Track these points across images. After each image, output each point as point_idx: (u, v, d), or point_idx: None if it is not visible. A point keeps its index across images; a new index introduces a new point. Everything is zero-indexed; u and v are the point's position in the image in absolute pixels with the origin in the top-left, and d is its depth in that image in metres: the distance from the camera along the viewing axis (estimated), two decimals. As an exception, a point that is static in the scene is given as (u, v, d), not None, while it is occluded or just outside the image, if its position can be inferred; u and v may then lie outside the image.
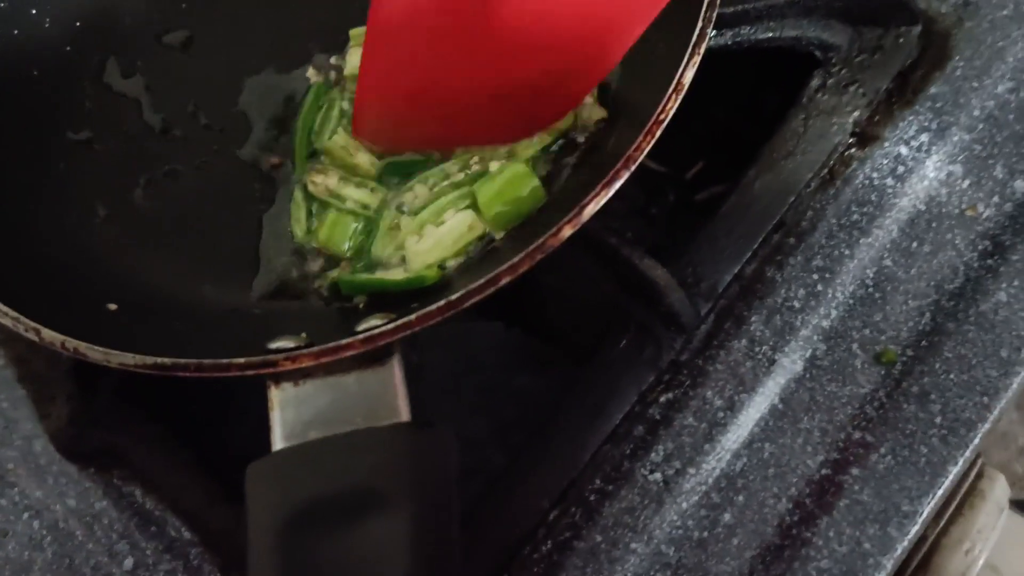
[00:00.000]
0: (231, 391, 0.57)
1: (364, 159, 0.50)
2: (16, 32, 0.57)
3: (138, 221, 0.53)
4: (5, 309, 0.42)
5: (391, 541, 0.34)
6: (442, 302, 0.39)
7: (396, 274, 0.47)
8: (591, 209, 0.40)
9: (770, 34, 0.56)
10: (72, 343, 0.41)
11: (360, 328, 0.41)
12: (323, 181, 0.51)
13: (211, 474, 0.53)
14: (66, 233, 0.51)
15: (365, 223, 0.50)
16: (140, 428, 0.54)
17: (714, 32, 0.56)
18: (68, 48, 0.58)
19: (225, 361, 0.40)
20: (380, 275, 0.48)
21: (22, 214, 0.50)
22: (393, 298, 0.46)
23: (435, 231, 0.48)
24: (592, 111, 0.50)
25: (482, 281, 0.39)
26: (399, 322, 0.39)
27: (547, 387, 0.58)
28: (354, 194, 0.51)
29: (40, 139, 0.54)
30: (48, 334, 0.42)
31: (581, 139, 0.50)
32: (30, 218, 0.50)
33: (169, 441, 0.54)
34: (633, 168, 0.40)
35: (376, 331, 0.39)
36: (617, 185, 0.40)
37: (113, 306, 0.47)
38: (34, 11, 0.58)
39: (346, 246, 0.50)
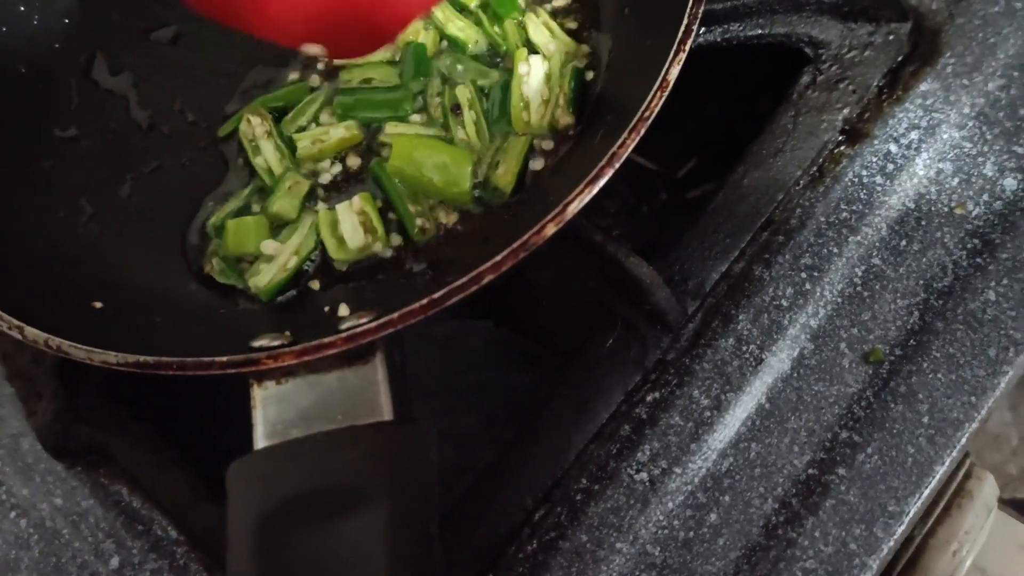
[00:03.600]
0: (218, 388, 0.56)
1: (342, 132, 0.51)
2: (4, 28, 0.56)
3: (124, 218, 0.53)
4: (-12, 308, 0.42)
5: (370, 537, 0.34)
6: (425, 300, 0.39)
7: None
8: (574, 207, 0.40)
9: (760, 31, 0.55)
10: (56, 341, 0.41)
11: (343, 327, 0.41)
12: (253, 128, 0.52)
13: (197, 472, 0.53)
14: (51, 230, 0.51)
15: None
16: (126, 426, 0.54)
17: (703, 29, 0.56)
18: (56, 45, 0.58)
19: (207, 360, 0.39)
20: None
21: (6, 212, 0.50)
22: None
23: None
24: (562, 116, 0.50)
25: (465, 279, 0.39)
26: (382, 320, 0.39)
27: (535, 385, 0.58)
28: (268, 153, 0.52)
29: (26, 136, 0.54)
30: (31, 332, 0.41)
31: (550, 145, 0.50)
32: (14, 215, 0.50)
33: (155, 439, 0.54)
34: (617, 166, 0.40)
35: (359, 329, 0.39)
36: (601, 182, 0.40)
37: (99, 304, 0.47)
38: (22, 7, 0.57)
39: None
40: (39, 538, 0.52)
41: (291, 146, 0.52)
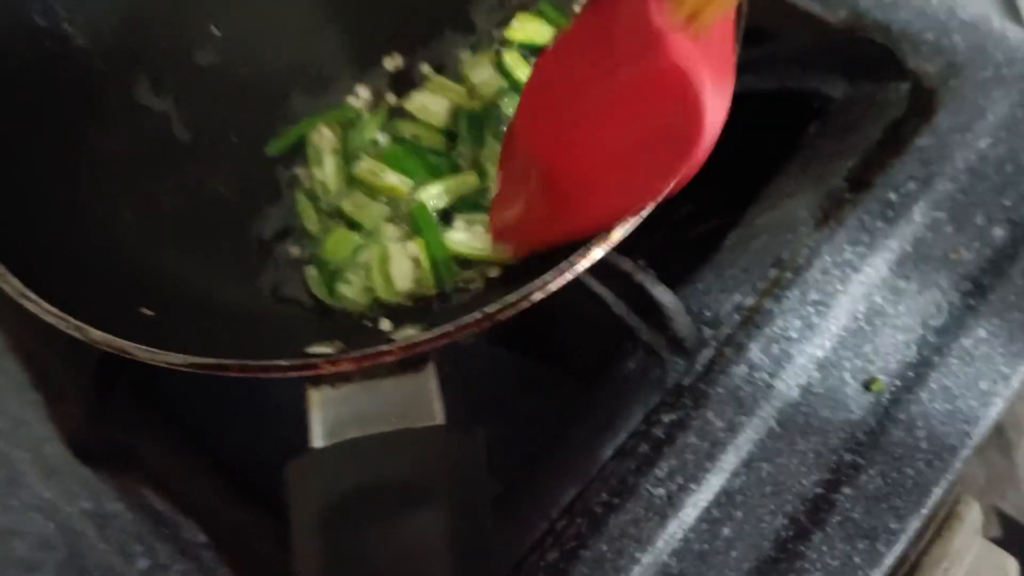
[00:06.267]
0: (246, 394, 0.59)
1: (395, 179, 0.53)
2: (49, 46, 0.58)
3: (166, 229, 0.54)
4: (51, 309, 0.43)
5: (433, 534, 0.36)
6: (479, 314, 0.42)
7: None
8: (619, 234, 0.43)
9: (773, 84, 0.60)
10: (118, 342, 0.43)
11: (396, 336, 0.43)
12: (322, 138, 0.55)
13: (226, 476, 0.54)
14: (98, 240, 0.53)
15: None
16: (154, 430, 0.56)
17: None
18: (100, 64, 0.59)
19: (268, 363, 0.41)
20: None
21: (58, 222, 0.51)
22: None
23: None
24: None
25: (516, 296, 0.42)
26: (438, 331, 0.41)
27: (555, 408, 0.61)
28: (328, 167, 0.54)
29: (72, 150, 0.56)
30: (94, 333, 0.43)
31: None
32: (65, 226, 0.52)
33: (183, 443, 0.55)
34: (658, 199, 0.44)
35: (416, 339, 0.41)
36: (643, 214, 0.43)
37: (148, 311, 0.49)
38: (68, 27, 0.59)
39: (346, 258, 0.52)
40: (64, 540, 0.53)
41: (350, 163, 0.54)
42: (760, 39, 0.58)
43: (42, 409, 0.56)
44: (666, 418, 0.53)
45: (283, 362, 0.41)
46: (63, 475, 0.54)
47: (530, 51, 0.57)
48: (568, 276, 0.43)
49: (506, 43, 0.58)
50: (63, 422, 0.55)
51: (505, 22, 0.58)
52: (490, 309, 0.42)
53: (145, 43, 0.60)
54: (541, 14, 0.58)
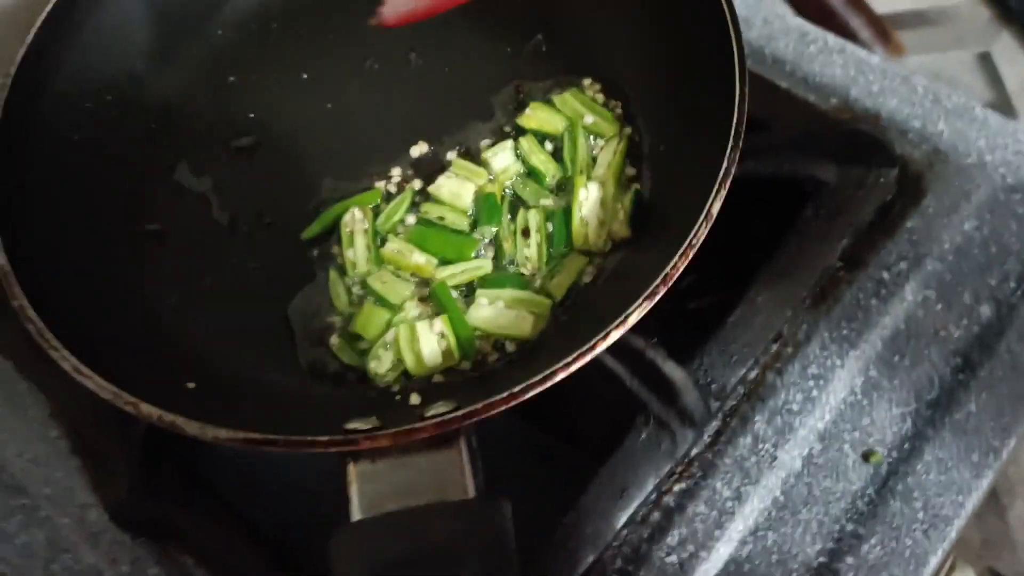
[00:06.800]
0: (283, 469, 0.61)
1: (421, 259, 0.57)
2: (96, 130, 0.62)
3: (208, 309, 0.58)
4: (107, 386, 0.47)
5: (468, 601, 0.39)
6: (505, 393, 0.45)
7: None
8: (634, 317, 0.47)
9: (770, 169, 0.64)
10: (169, 417, 0.46)
11: (429, 414, 0.46)
12: (355, 221, 0.58)
13: (263, 547, 0.57)
14: (145, 319, 0.56)
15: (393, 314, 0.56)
16: (195, 501, 0.58)
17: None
18: (142, 148, 0.64)
19: (310, 438, 0.45)
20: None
21: (110, 301, 0.55)
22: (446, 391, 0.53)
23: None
24: (620, 229, 0.58)
25: (540, 376, 0.45)
26: (467, 409, 0.45)
27: (569, 477, 0.63)
28: (359, 247, 0.58)
29: (115, 228, 0.60)
30: (147, 408, 0.46)
31: (598, 261, 0.58)
32: (114, 305, 0.55)
33: (223, 514, 0.57)
34: (671, 284, 0.47)
35: (447, 416, 0.45)
36: (657, 298, 0.47)
37: (191, 384, 0.52)
38: (113, 112, 0.63)
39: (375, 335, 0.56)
40: (104, 605, 0.56)
41: (379, 243, 0.58)
42: (758, 127, 0.63)
43: (87, 476, 0.59)
44: (675, 487, 0.56)
45: (324, 438, 0.45)
46: (104, 541, 0.57)
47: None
48: (588, 357, 0.46)
49: (520, 130, 0.62)
50: (107, 491, 0.58)
51: (520, 110, 0.63)
52: (516, 389, 0.45)
53: (185, 128, 0.65)
54: (551, 103, 0.63)
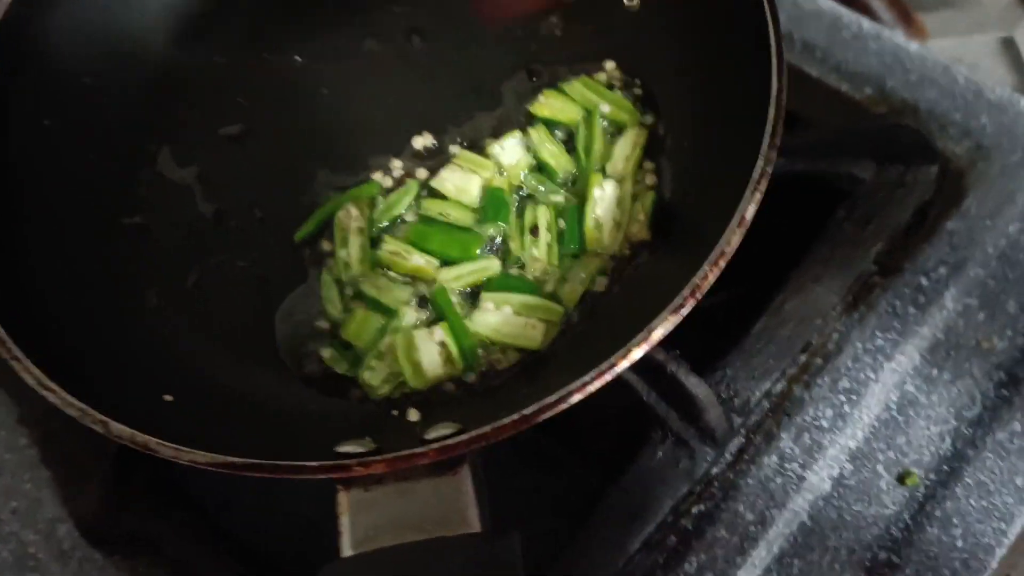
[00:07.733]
0: (270, 481, 0.57)
1: (420, 260, 0.52)
2: (75, 117, 0.57)
3: (189, 310, 0.53)
4: (74, 401, 0.42)
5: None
6: (516, 416, 0.41)
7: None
8: (659, 333, 0.42)
9: (803, 166, 0.59)
10: (142, 438, 0.41)
11: (430, 436, 0.42)
12: (350, 218, 0.54)
13: (242, 561, 0.53)
14: (119, 322, 0.52)
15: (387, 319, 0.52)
16: (171, 516, 0.54)
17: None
18: (119, 134, 0.59)
19: (299, 464, 0.40)
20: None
21: (78, 303, 0.50)
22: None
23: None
24: (640, 232, 0.53)
25: (554, 397, 0.41)
26: (474, 433, 0.40)
27: (580, 493, 0.59)
28: (354, 247, 0.54)
29: (93, 221, 0.55)
30: (117, 428, 0.42)
31: (611, 265, 0.53)
32: (86, 306, 0.51)
33: (201, 529, 0.54)
34: (700, 296, 0.43)
35: (450, 441, 0.40)
36: (684, 311, 0.43)
37: (169, 397, 0.47)
38: (88, 95, 0.59)
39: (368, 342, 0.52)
40: (75, 625, 0.52)
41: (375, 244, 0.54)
42: (793, 124, 0.58)
43: (56, 488, 0.55)
44: (694, 509, 0.52)
45: (314, 464, 0.40)
46: (74, 559, 0.53)
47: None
48: (608, 377, 0.42)
49: (532, 119, 0.57)
50: (78, 504, 0.54)
51: (531, 98, 0.58)
52: (528, 411, 0.41)
53: (170, 114, 0.60)
54: (565, 91, 0.58)
